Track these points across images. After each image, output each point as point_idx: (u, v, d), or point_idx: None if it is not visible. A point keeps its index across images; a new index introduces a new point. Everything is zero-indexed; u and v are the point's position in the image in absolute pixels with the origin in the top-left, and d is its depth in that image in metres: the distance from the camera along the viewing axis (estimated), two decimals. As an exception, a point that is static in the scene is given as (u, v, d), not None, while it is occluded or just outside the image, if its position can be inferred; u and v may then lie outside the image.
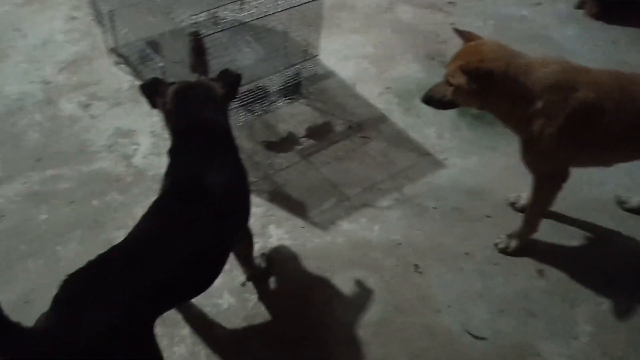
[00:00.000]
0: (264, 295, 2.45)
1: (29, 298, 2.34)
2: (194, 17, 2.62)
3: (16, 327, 1.33)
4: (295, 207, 2.78)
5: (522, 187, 2.68)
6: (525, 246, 2.63)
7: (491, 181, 2.96)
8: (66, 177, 2.85)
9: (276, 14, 2.85)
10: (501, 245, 2.64)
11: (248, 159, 2.98)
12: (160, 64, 2.77)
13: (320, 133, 3.16)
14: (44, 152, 2.97)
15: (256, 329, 2.36)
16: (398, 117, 3.29)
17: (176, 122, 1.99)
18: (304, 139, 3.12)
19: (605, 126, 2.18)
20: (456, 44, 2.39)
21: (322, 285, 2.50)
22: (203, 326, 2.34)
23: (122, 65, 3.43)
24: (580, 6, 4.31)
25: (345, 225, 2.73)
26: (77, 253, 2.51)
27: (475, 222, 2.78)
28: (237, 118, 3.03)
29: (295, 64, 3.13)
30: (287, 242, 2.64)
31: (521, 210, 2.72)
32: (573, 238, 2.73)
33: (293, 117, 3.23)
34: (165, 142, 2.16)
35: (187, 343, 2.28)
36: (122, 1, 3.32)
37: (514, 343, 2.36)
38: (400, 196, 2.87)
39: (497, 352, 2.33)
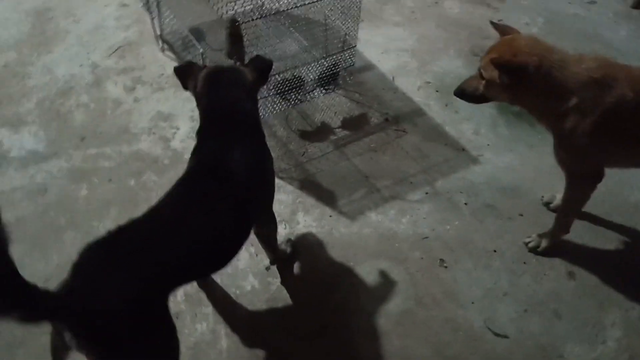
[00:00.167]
0: (287, 281, 2.48)
1: (63, 269, 2.44)
2: (239, 6, 2.65)
3: (32, 289, 1.39)
4: (325, 195, 2.81)
5: (558, 187, 2.60)
6: (556, 246, 2.57)
7: (526, 180, 2.90)
8: (107, 156, 2.96)
9: (317, 3, 2.87)
10: (532, 244, 2.59)
11: (282, 147, 3.02)
12: (201, 51, 2.83)
13: (355, 124, 3.17)
14: (88, 131, 3.09)
15: (277, 312, 2.39)
16: (435, 112, 3.26)
17: (205, 105, 2.04)
18: (338, 130, 3.13)
19: (642, 126, 2.11)
20: (501, 40, 2.36)
21: (345, 274, 2.52)
22: (225, 306, 2.39)
23: (167, 52, 3.53)
24: (637, 5, 4.16)
25: (373, 216, 2.73)
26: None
27: (506, 220, 2.73)
28: (273, 106, 3.06)
29: (333, 55, 3.14)
30: (314, 230, 2.67)
31: (555, 210, 2.66)
32: (608, 241, 2.65)
33: (330, 107, 3.25)
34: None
35: (209, 321, 2.34)
36: (170, -11, 3.42)
37: (538, 343, 2.31)
38: (431, 190, 2.85)
39: (520, 351, 2.29)
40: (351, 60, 3.18)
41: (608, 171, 2.68)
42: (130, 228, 1.66)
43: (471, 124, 3.20)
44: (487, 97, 2.30)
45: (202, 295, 2.42)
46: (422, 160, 2.99)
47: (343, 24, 3.09)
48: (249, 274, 2.49)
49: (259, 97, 2.82)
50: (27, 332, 2.13)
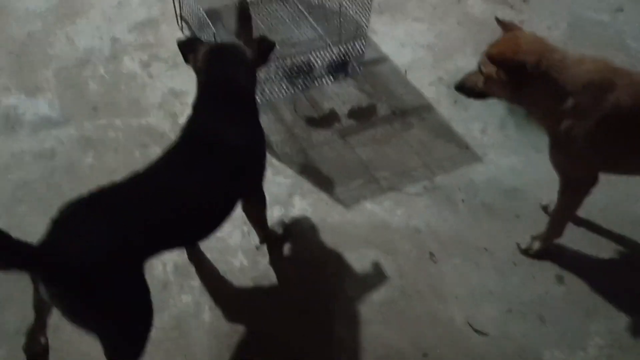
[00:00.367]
0: (276, 261, 2.52)
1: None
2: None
3: (7, 238, 1.45)
4: (323, 182, 2.83)
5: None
6: (548, 250, 2.55)
7: (528, 183, 2.88)
8: (115, 128, 3.04)
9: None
10: (524, 246, 2.57)
11: (287, 131, 3.05)
12: (213, 31, 2.88)
13: (362, 115, 3.18)
14: (100, 102, 3.17)
15: (262, 291, 2.44)
16: (444, 108, 3.25)
17: (203, 79, 2.09)
18: (345, 119, 3.15)
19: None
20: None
21: (334, 259, 2.54)
22: (212, 281, 2.45)
23: (186, 31, 3.59)
24: (667, 16, 4.06)
25: (368, 205, 2.75)
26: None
27: (502, 220, 2.72)
28: (280, 90, 3.10)
29: (342, 43, 3.15)
30: (308, 214, 2.70)
31: (552, 214, 2.64)
32: (603, 251, 2.61)
33: (339, 96, 3.26)
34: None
35: (194, 294, 2.40)
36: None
37: (518, 345, 2.31)
38: (430, 185, 2.85)
39: (498, 350, 2.29)
40: (361, 50, 3.19)
41: (613, 180, 2.66)
42: (112, 189, 1.71)
43: (479, 123, 3.18)
44: (486, 93, 2.30)
45: (191, 269, 2.48)
46: (424, 155, 2.99)
47: (356, 14, 3.10)
48: (238, 251, 2.54)
49: (266, 79, 2.86)
50: (17, 289, 2.20)
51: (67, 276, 1.53)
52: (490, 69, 2.16)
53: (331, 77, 3.23)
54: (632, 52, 3.72)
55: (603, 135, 2.09)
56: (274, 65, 3.03)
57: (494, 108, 3.16)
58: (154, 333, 2.21)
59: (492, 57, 2.11)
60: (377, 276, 2.50)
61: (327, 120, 3.13)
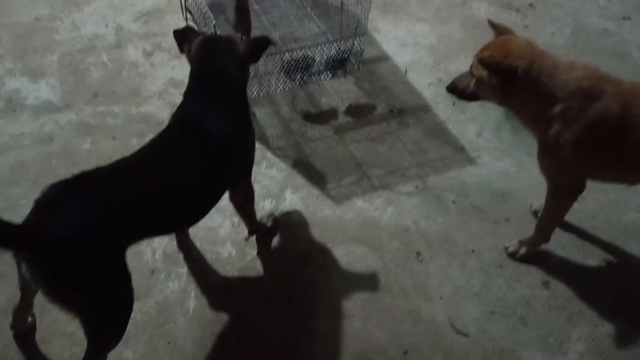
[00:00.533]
0: (264, 253, 2.56)
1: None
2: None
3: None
4: (315, 177, 2.86)
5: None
6: (535, 255, 2.56)
7: (520, 187, 2.89)
8: (114, 115, 3.08)
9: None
10: (511, 249, 2.59)
11: (283, 125, 3.08)
12: (214, 23, 2.91)
13: (359, 112, 3.20)
14: (101, 89, 3.21)
15: (248, 281, 2.47)
16: (442, 110, 3.26)
17: (195, 68, 2.12)
18: (341, 115, 3.17)
19: (627, 143, 2.09)
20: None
21: (321, 253, 2.57)
22: (200, 269, 2.48)
23: (190, 22, 3.62)
24: (675, 26, 4.04)
25: (359, 202, 2.77)
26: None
27: (491, 223, 2.73)
28: (277, 83, 3.13)
29: (341, 40, 3.17)
30: (299, 208, 2.72)
31: (541, 219, 2.65)
32: (590, 257, 2.62)
33: (337, 93, 3.29)
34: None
35: (181, 281, 2.43)
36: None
37: (498, 346, 2.32)
38: (421, 185, 2.87)
39: (478, 351, 2.31)
40: (360, 47, 3.21)
41: (604, 187, 2.67)
42: (96, 172, 1.75)
43: (475, 125, 3.19)
44: (477, 96, 2.31)
45: (180, 256, 2.52)
46: (418, 155, 3.01)
47: (358, 10, 3.12)
48: (227, 241, 2.57)
49: (265, 72, 2.89)
50: (6, 267, 2.24)
51: (45, 255, 1.56)
52: (482, 72, 2.18)
53: (330, 74, 3.26)
54: (635, 62, 3.71)
55: (590, 142, 2.10)
56: (273, 59, 3.06)
57: (491, 111, 3.17)
58: (139, 318, 2.28)
59: (483, 60, 2.12)
60: (362, 272, 2.52)
61: (324, 116, 3.16)
